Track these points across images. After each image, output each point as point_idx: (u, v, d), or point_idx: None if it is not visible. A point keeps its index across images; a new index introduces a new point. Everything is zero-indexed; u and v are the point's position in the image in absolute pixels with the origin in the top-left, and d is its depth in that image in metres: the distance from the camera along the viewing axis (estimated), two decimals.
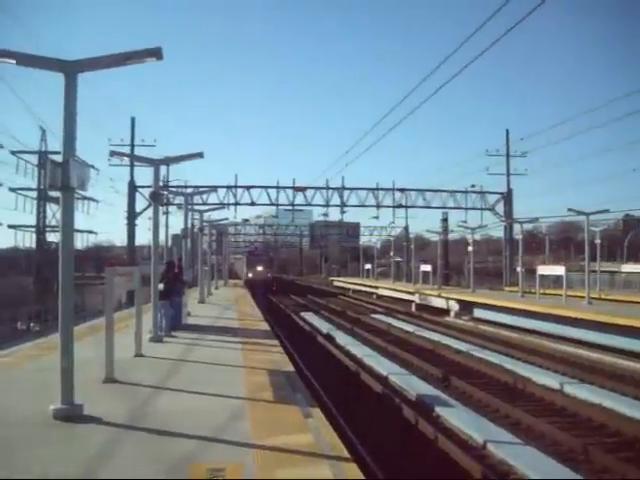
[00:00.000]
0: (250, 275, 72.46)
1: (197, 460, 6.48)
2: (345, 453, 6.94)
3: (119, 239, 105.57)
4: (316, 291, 70.43)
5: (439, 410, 13.90)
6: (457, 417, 13.23)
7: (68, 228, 8.33)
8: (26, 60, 8.10)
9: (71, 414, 8.03)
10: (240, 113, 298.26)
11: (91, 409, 8.31)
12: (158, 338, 15.78)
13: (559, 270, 34.03)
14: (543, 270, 36.00)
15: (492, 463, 10.67)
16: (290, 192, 53.98)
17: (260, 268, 73.01)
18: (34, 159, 49.66)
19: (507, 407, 14.41)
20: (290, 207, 56.61)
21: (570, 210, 31.80)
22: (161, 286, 16.62)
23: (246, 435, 7.44)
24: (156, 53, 8.28)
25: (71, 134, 8.06)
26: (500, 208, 54.29)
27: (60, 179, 7.86)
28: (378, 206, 55.24)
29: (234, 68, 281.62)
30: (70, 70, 7.97)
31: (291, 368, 12.59)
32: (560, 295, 31.08)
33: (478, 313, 34.59)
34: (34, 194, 51.43)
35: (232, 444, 7.09)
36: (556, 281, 39.18)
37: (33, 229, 52.92)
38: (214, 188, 48.71)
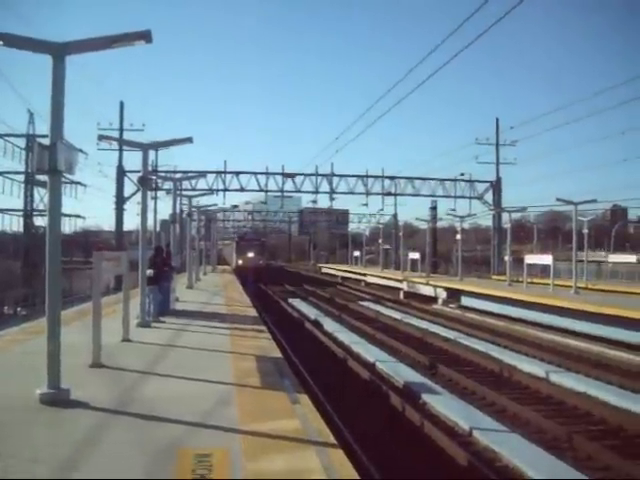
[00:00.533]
0: (240, 262, 67.87)
1: (184, 445, 6.47)
2: (332, 439, 6.95)
3: (107, 224, 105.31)
4: (309, 280, 64.43)
5: (426, 397, 13.97)
6: (443, 404, 13.29)
7: (55, 212, 8.26)
8: (14, 41, 7.99)
9: (57, 398, 8.00)
10: (230, 99, 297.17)
11: (78, 394, 8.28)
12: (146, 323, 15.74)
13: (546, 259, 34.16)
14: (531, 259, 36.16)
15: (478, 450, 10.75)
16: (279, 178, 53.95)
17: (251, 254, 68.28)
18: (22, 142, 49.21)
19: (493, 395, 14.49)
20: (279, 193, 56.49)
21: (558, 200, 31.93)
22: (149, 271, 16.57)
23: (233, 421, 7.43)
24: (145, 36, 8.19)
25: (59, 117, 7.98)
26: (489, 197, 54.46)
27: (47, 162, 7.79)
28: (367, 193, 55.28)
29: (224, 56, 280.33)
30: (58, 52, 7.88)
31: (279, 354, 12.60)
32: (547, 284, 31.23)
33: (466, 301, 34.73)
34: (21, 178, 51.05)
35: (219, 429, 7.09)
36: (543, 270, 39.35)
37: (20, 213, 52.57)
38: (203, 173, 48.57)
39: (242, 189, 53.49)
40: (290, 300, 40.47)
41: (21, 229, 53.43)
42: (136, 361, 11.07)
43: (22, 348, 12.28)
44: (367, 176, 54.70)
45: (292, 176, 54.05)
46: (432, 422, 12.11)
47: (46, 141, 8.04)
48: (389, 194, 56.26)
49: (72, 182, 49.56)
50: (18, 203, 52.13)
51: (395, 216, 71.01)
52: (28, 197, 51.98)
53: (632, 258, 51.82)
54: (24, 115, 51.00)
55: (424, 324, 27.94)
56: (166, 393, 8.84)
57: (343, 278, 67.19)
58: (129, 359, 11.25)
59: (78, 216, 57.78)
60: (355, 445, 10.51)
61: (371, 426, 11.90)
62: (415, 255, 50.69)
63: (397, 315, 31.89)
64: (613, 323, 21.77)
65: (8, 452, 6.22)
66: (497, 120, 55.09)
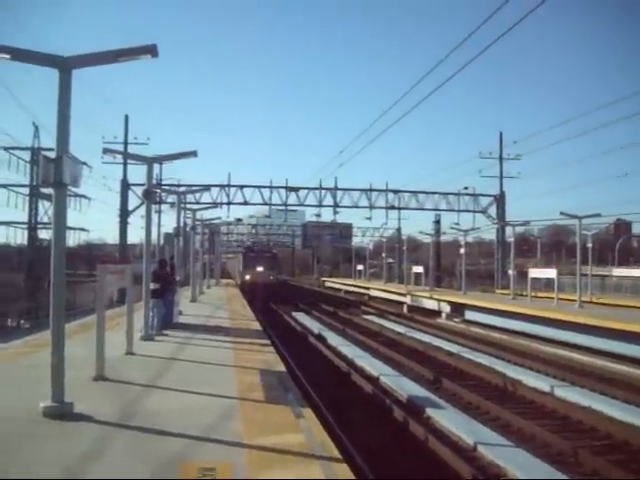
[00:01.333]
0: (247, 277, 57.64)
1: (187, 459, 6.46)
2: (336, 453, 6.93)
3: (111, 237, 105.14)
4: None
5: (430, 412, 13.91)
6: (448, 419, 13.23)
7: (60, 225, 8.28)
8: (21, 55, 8.05)
9: (61, 412, 7.99)
10: (234, 113, 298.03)
11: (81, 407, 8.27)
12: (149, 336, 15.73)
13: (550, 273, 34.13)
14: (535, 273, 36.08)
15: (482, 465, 10.69)
16: (283, 192, 54.01)
17: (261, 269, 57.78)
18: (26, 155, 49.41)
19: (498, 409, 14.43)
20: (283, 207, 56.54)
21: (562, 214, 31.92)
22: (153, 285, 16.57)
23: (237, 435, 7.41)
24: (151, 50, 8.24)
25: (65, 130, 8.02)
26: (493, 211, 54.45)
27: (53, 175, 7.82)
28: (371, 207, 55.30)
29: (229, 68, 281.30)
30: (65, 66, 7.93)
31: (282, 368, 12.57)
32: (551, 298, 31.17)
33: (469, 315, 34.65)
34: (26, 191, 51.16)
35: (223, 443, 7.06)
36: (547, 284, 39.31)
37: (25, 226, 52.62)
38: (207, 187, 48.60)
39: (246, 202, 53.58)
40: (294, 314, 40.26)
41: (25, 242, 53.50)
42: (140, 374, 11.04)
43: (26, 361, 12.27)
44: (371, 190, 54.77)
45: (296, 190, 54.13)
46: (436, 436, 12.06)
47: (51, 154, 8.08)
48: (393, 208, 56.23)
49: (76, 195, 49.63)
50: (22, 216, 52.23)
51: (399, 230, 70.99)
52: (32, 210, 52.09)
53: (636, 272, 51.67)
54: (29, 128, 51.29)
55: (427, 338, 27.87)
56: (169, 406, 8.82)
57: (346, 292, 67.02)
58: (133, 372, 11.23)
59: (82, 229, 57.86)
60: (359, 459, 10.46)
61: (375, 440, 11.85)
62: (419, 269, 50.64)
63: (401, 329, 31.84)
64: (617, 337, 21.70)
65: (10, 464, 6.21)
66: (501, 134, 55.22)
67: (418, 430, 12.51)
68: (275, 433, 7.51)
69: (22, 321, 37.24)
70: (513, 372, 18.97)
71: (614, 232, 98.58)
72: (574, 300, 29.77)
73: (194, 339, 16.40)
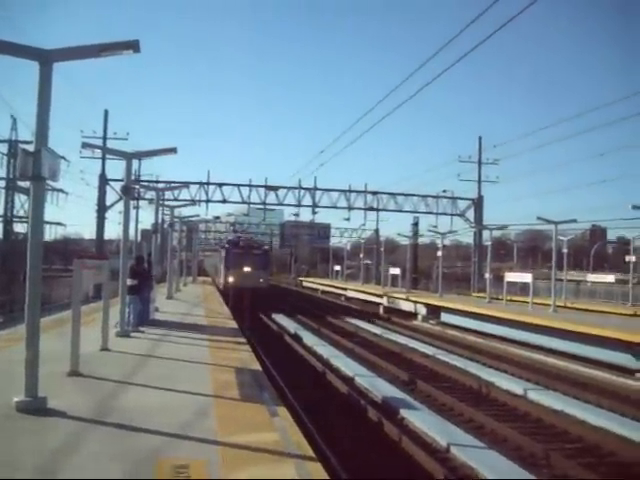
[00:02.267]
0: (231, 280, 46.16)
1: (162, 456, 6.45)
2: (310, 452, 6.96)
3: (88, 232, 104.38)
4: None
5: (404, 412, 13.98)
6: (422, 420, 13.31)
7: (38, 219, 8.22)
8: (1, 47, 7.98)
9: (35, 407, 7.93)
10: (214, 111, 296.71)
11: (55, 402, 8.22)
12: (125, 333, 15.64)
13: (526, 277, 34.43)
14: (511, 277, 36.40)
15: (455, 466, 10.77)
16: (262, 191, 53.86)
17: (249, 269, 47.54)
18: (3, 148, 48.98)
19: (471, 411, 14.54)
20: (262, 206, 56.42)
21: (539, 218, 32.21)
22: (130, 281, 16.49)
23: (212, 432, 7.41)
24: (133, 46, 8.22)
25: (44, 124, 7.96)
26: (470, 214, 54.72)
27: (31, 169, 7.76)
28: (350, 208, 55.33)
29: (208, 67, 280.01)
30: (46, 59, 7.88)
31: (258, 367, 12.57)
32: (527, 302, 31.45)
33: (445, 317, 34.84)
34: (2, 183, 50.72)
35: (197, 441, 7.06)
36: (523, 288, 39.63)
37: (0, 219, 52.13)
38: (186, 184, 48.35)
39: (225, 200, 53.37)
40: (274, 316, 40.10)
41: (0, 235, 52.95)
42: (115, 371, 10.99)
43: (1, 355, 12.14)
44: (350, 191, 54.82)
45: (275, 189, 54.03)
46: (410, 437, 12.13)
47: (29, 147, 8.02)
48: (371, 209, 56.32)
49: (54, 189, 49.26)
50: None
51: (377, 231, 71.15)
52: (9, 203, 51.60)
53: (610, 278, 52.29)
54: (6, 120, 50.74)
55: (403, 339, 28.00)
56: (144, 403, 8.79)
57: (323, 292, 67.09)
58: (108, 368, 11.18)
59: (59, 224, 57.49)
60: (334, 459, 10.49)
61: (350, 440, 11.89)
62: (396, 270, 50.83)
63: (377, 330, 31.94)
64: (590, 342, 21.95)
65: None
66: (480, 138, 55.51)
67: (392, 431, 12.57)
68: (250, 431, 7.52)
69: None
70: (487, 375, 19.12)
71: (589, 238, 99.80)
72: (549, 304, 30.08)
73: (170, 336, 16.35)
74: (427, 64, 16.81)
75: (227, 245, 52.13)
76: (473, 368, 20.31)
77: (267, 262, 52.06)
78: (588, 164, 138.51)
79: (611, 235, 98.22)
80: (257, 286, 44.80)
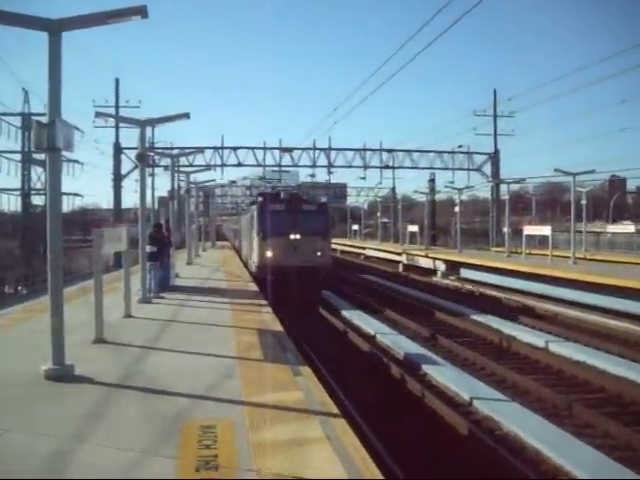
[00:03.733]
0: (271, 255, 27.69)
1: (189, 417, 6.56)
2: (334, 409, 7.05)
3: (105, 202, 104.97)
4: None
5: (426, 368, 14.11)
6: (444, 375, 13.43)
7: (55, 190, 8.27)
8: (9, 19, 7.95)
9: (62, 374, 8.07)
10: (226, 73, 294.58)
11: (82, 369, 8.35)
12: (147, 299, 15.81)
13: (545, 230, 34.22)
14: (529, 230, 36.25)
15: (478, 419, 10.88)
16: (277, 153, 53.71)
17: (298, 236, 27.97)
18: (17, 121, 48.99)
19: (493, 365, 14.63)
20: (277, 168, 56.35)
21: (557, 170, 31.90)
22: (149, 248, 16.62)
23: (237, 393, 7.52)
24: (141, 11, 8.16)
25: (56, 95, 7.96)
26: (487, 169, 54.27)
27: (46, 140, 7.79)
28: (365, 167, 55.08)
29: (219, 28, 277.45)
30: (54, 29, 7.84)
31: (280, 327, 12.68)
32: (546, 255, 31.32)
33: (465, 273, 34.85)
34: (18, 157, 50.84)
35: (223, 402, 7.17)
36: (542, 241, 39.41)
37: (18, 192, 52.42)
38: (200, 149, 48.39)
39: (240, 164, 53.28)
40: None
41: (19, 209, 53.34)
42: (138, 336, 11.14)
43: (26, 326, 12.34)
44: (365, 149, 54.52)
45: (289, 150, 53.84)
46: (433, 392, 12.25)
47: (42, 119, 8.04)
48: (387, 167, 56.02)
49: (69, 160, 49.36)
50: (15, 182, 51.92)
51: (393, 189, 70.90)
52: (25, 176, 51.83)
53: (631, 228, 51.86)
54: (19, 94, 50.69)
55: (423, 295, 28.08)
56: (169, 367, 8.92)
57: (345, 252, 67.01)
58: (131, 335, 11.32)
59: (76, 194, 57.64)
60: (357, 415, 10.63)
61: (373, 397, 12.03)
62: (414, 228, 50.76)
63: (398, 287, 32.06)
64: (610, 293, 21.89)
65: (14, 426, 6.31)
66: (495, 91, 54.75)
67: (415, 386, 12.69)
68: (274, 391, 7.61)
69: (19, 287, 37.38)
70: (508, 328, 19.18)
71: (609, 189, 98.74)
72: (568, 257, 29.95)
73: (191, 301, 16.50)
74: (438, 16, 16.46)
75: (260, 200, 30.02)
76: (494, 322, 20.36)
77: (327, 225, 29.47)
78: (608, 113, 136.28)
79: (631, 185, 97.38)
80: (314, 264, 26.91)
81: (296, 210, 27.84)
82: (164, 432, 6.13)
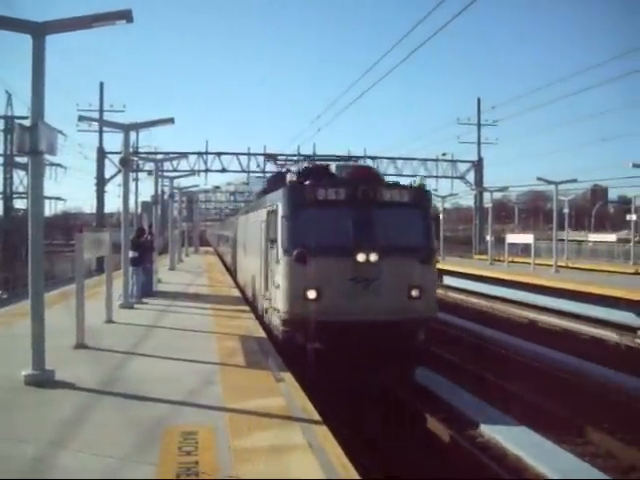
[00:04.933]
0: (315, 296, 12.04)
1: (170, 424, 6.53)
2: (316, 416, 7.04)
3: (88, 206, 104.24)
4: None
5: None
6: (426, 378, 13.44)
7: (37, 193, 8.22)
8: None
9: (43, 379, 8.01)
10: (210, 79, 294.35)
11: (63, 374, 8.30)
12: (129, 304, 15.73)
13: (528, 239, 34.52)
14: (512, 239, 36.48)
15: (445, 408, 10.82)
16: (261, 159, 53.65)
17: (374, 257, 12.08)
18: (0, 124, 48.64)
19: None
20: (261, 174, 56.25)
21: (539, 179, 32.15)
22: (131, 253, 16.54)
23: (218, 399, 7.50)
24: (126, 16, 8.15)
25: (39, 98, 7.93)
26: (471, 177, 54.55)
27: (29, 143, 7.74)
28: None
29: (204, 35, 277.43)
30: (38, 32, 7.80)
31: (262, 334, 12.64)
32: (528, 263, 31.51)
33: (447, 280, 34.95)
34: (0, 160, 50.45)
35: (204, 408, 7.15)
36: (524, 249, 39.67)
37: (0, 196, 51.99)
38: (184, 154, 48.17)
39: (224, 170, 53.19)
40: None
41: (0, 212, 52.85)
42: (120, 342, 11.07)
43: (7, 330, 12.22)
44: (349, 157, 54.18)
45: (274, 157, 53.72)
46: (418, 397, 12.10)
47: (25, 122, 7.99)
48: None
49: (52, 164, 49.09)
50: None
51: None
52: (7, 180, 51.41)
53: (612, 237, 52.27)
54: (2, 96, 50.39)
55: None
56: (151, 373, 8.87)
57: None
58: (113, 340, 11.25)
59: (58, 198, 57.40)
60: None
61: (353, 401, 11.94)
62: None
63: None
64: (592, 301, 22.04)
65: None
66: (479, 100, 55.13)
67: (397, 392, 12.61)
68: (256, 397, 7.60)
69: (0, 291, 36.98)
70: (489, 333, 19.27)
71: (590, 198, 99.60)
72: (550, 265, 30.14)
73: (174, 306, 16.44)
74: (424, 21, 16.49)
75: (292, 181, 14.17)
76: (476, 329, 20.42)
77: (430, 234, 13.30)
78: (588, 123, 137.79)
79: (612, 194, 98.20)
80: (407, 316, 12.38)
81: (369, 203, 12.93)
82: (144, 438, 6.10)
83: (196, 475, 5.15)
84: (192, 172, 48.73)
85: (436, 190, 50.50)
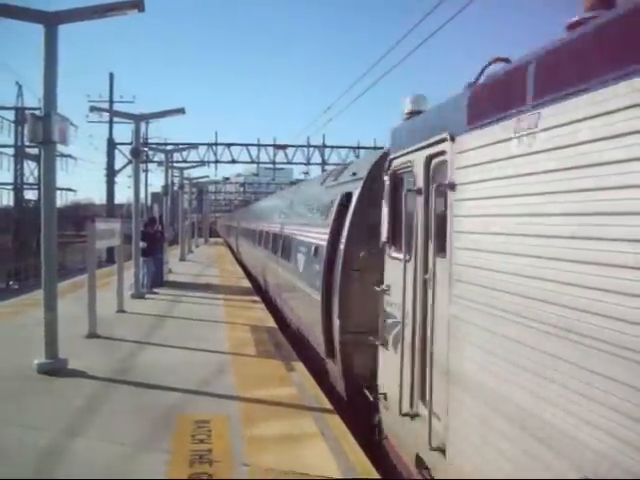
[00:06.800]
0: None
1: (183, 412, 6.56)
2: (328, 405, 7.05)
3: (98, 197, 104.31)
4: None
5: None
6: None
7: (50, 183, 8.25)
8: (5, 11, 7.93)
9: (55, 368, 8.07)
10: (221, 70, 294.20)
11: (75, 363, 8.35)
12: (140, 294, 15.78)
13: None
14: None
15: None
16: (271, 150, 53.49)
17: None
18: (10, 115, 48.69)
19: None
20: (271, 165, 56.15)
21: None
22: (142, 243, 16.58)
23: (231, 388, 7.52)
24: (137, 5, 8.15)
25: (52, 88, 7.95)
26: None
27: (42, 133, 7.77)
28: None
29: (214, 25, 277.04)
30: (50, 21, 7.82)
31: (273, 324, 12.65)
32: None
33: None
34: (11, 151, 50.51)
35: (217, 397, 7.18)
36: None
37: (11, 187, 52.12)
38: (195, 145, 48.06)
39: (233, 161, 53.03)
40: None
41: (11, 203, 52.97)
42: (131, 331, 11.12)
43: (19, 320, 12.29)
44: (359, 147, 54.36)
45: (283, 147, 53.64)
46: None
47: (37, 113, 8.02)
48: None
49: (62, 155, 49.08)
50: (8, 177, 51.64)
51: None
52: (18, 171, 51.51)
53: None
54: (12, 87, 50.46)
55: None
56: (162, 362, 8.91)
57: None
58: (124, 329, 11.31)
59: (69, 189, 57.35)
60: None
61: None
62: None
63: None
64: None
65: (9, 420, 6.30)
66: None
67: None
68: (268, 386, 7.62)
69: (11, 282, 37.14)
70: None
71: None
72: None
73: (184, 296, 16.46)
74: (436, 11, 16.32)
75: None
76: None
77: None
78: None
79: None
80: None
81: None
82: (157, 426, 6.13)
83: (209, 463, 5.17)
84: (202, 163, 48.68)
85: None
